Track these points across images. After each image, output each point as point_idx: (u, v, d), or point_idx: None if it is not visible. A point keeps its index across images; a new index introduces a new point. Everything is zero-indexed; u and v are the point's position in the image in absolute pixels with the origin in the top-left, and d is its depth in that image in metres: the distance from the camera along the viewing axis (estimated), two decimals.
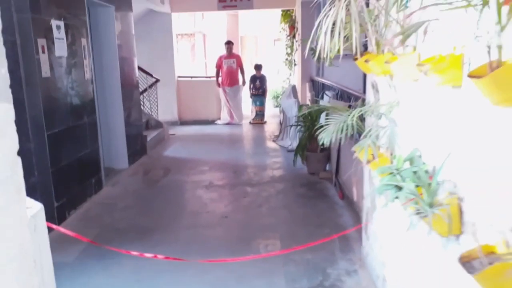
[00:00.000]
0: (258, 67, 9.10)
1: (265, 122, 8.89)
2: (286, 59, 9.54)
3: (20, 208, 0.96)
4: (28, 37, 3.32)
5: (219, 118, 9.03)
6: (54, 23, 3.69)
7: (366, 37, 2.52)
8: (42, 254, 1.23)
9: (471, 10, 1.13)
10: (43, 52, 3.47)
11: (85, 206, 4.14)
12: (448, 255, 1.51)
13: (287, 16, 9.09)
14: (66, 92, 3.91)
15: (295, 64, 8.90)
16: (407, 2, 1.75)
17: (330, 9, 1.72)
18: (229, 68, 8.63)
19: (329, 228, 3.41)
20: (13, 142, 0.93)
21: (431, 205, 1.47)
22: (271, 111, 10.39)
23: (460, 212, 1.43)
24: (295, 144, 5.68)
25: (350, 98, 4.23)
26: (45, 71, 3.50)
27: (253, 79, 9.09)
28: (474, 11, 1.12)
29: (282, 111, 7.46)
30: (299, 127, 5.48)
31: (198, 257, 2.97)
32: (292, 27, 8.77)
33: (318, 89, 6.52)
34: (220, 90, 8.73)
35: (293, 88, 7.33)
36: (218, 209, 4.07)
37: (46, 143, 3.51)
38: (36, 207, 1.23)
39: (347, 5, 1.69)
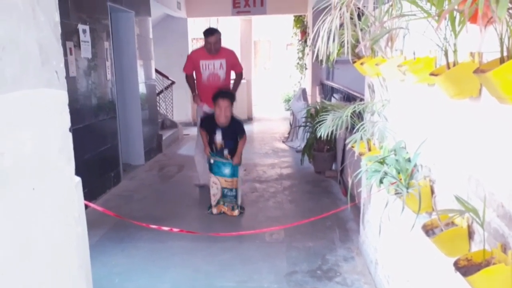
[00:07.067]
0: (223, 96, 3.80)
1: (240, 213, 3.92)
2: (298, 63, 9.79)
3: (70, 172, 1.24)
4: None
5: (199, 181, 4.73)
6: (80, 27, 4.02)
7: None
8: (80, 219, 1.51)
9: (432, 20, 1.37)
10: (71, 54, 3.80)
11: (104, 197, 4.45)
12: (420, 231, 1.74)
13: (299, 21, 9.35)
14: (90, 91, 4.24)
15: (306, 68, 9.16)
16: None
17: (326, 17, 1.98)
18: (212, 77, 4.50)
19: (330, 221, 3.64)
20: (66, 120, 1.20)
21: (407, 187, 1.71)
22: (283, 114, 10.63)
23: (432, 192, 1.67)
24: (303, 145, 5.91)
25: (355, 99, 4.46)
26: (72, 71, 3.83)
27: (209, 124, 3.92)
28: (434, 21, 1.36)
29: (292, 113, 7.71)
30: (307, 127, 5.72)
31: (208, 242, 3.24)
32: (304, 32, 9.04)
33: (327, 92, 6.76)
34: (197, 109, 4.73)
35: (303, 91, 7.58)
36: None
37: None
38: (76, 179, 1.51)
39: (341, 15, 1.94)
